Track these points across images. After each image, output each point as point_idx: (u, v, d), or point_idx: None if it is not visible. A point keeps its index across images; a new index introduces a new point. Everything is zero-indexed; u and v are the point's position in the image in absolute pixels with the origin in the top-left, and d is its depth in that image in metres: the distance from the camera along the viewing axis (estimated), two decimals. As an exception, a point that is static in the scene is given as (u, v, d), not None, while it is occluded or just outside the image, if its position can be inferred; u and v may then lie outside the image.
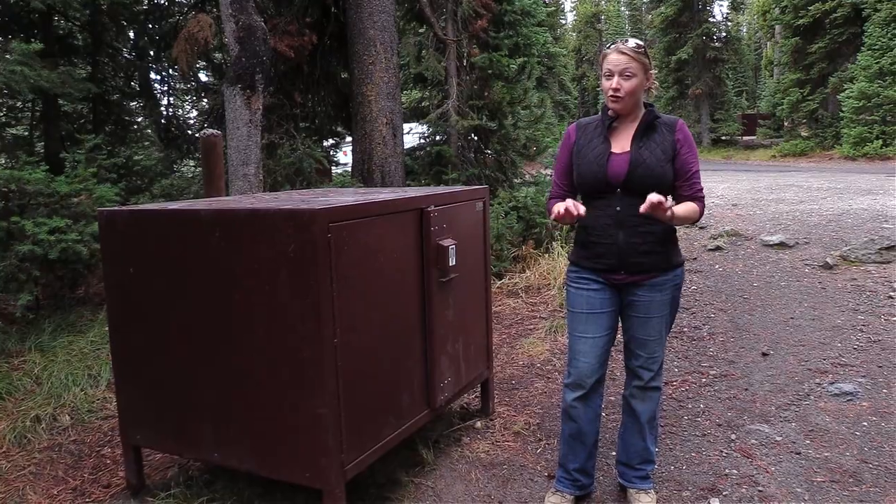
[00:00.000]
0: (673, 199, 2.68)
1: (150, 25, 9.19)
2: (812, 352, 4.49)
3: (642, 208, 2.43)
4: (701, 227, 7.87)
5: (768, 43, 42.85)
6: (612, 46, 2.63)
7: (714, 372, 4.33)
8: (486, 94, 7.95)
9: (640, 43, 2.63)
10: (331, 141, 9.67)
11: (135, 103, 9.76)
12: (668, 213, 2.47)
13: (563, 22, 47.02)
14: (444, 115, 7.96)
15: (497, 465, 3.32)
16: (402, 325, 2.95)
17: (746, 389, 4.05)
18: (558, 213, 2.56)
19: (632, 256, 2.66)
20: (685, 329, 5.10)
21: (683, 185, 2.67)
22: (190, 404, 2.85)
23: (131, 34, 9.43)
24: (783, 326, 4.97)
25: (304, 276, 2.45)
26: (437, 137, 8.21)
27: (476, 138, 8.35)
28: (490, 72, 8.01)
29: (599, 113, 2.82)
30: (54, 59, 7.91)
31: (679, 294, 2.82)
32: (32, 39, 7.97)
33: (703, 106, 31.21)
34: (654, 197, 2.40)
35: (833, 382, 4.04)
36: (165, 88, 10.29)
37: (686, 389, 4.11)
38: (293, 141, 7.40)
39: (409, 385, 3.01)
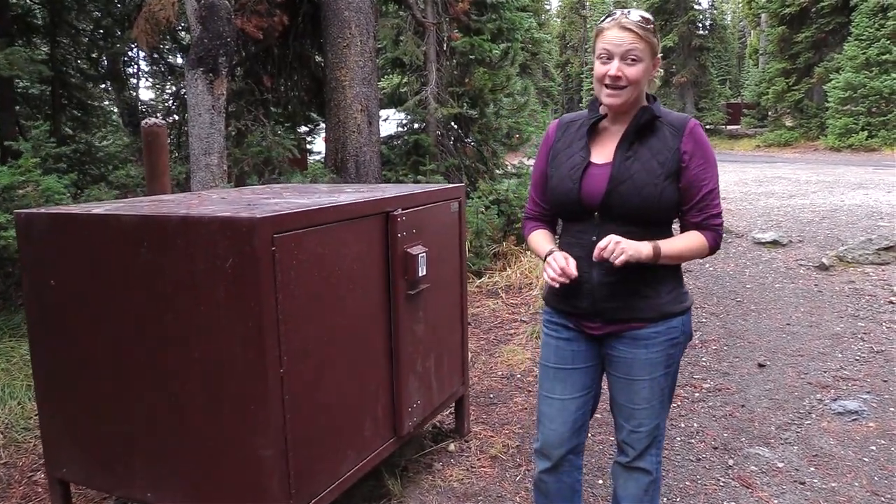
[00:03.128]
0: (680, 226, 2.11)
1: (116, 3, 8.71)
2: (811, 363, 4.20)
3: (595, 255, 1.91)
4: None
5: (753, 31, 42.70)
6: (611, 20, 1.97)
7: (707, 385, 4.03)
8: (466, 80, 7.57)
9: (648, 17, 1.98)
10: (305, 128, 9.28)
11: (102, 86, 9.29)
12: (649, 251, 1.92)
13: (548, 7, 46.55)
14: (423, 102, 7.58)
15: (471, 496, 2.99)
16: (364, 345, 2.59)
17: (743, 406, 3.75)
18: (550, 278, 2.00)
19: (607, 300, 2.04)
20: (675, 335, 4.80)
21: (691, 209, 2.03)
22: (120, 436, 2.48)
23: (97, 14, 8.95)
24: (779, 333, 4.67)
25: (245, 296, 2.08)
26: (416, 125, 7.83)
27: (456, 127, 7.98)
28: (471, 57, 7.63)
29: (587, 107, 2.18)
30: (10, 39, 7.44)
31: (678, 352, 2.14)
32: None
33: (687, 94, 31.02)
34: (606, 242, 1.89)
35: (836, 399, 3.74)
36: (133, 70, 9.83)
37: (678, 405, 3.79)
38: (262, 128, 6.99)
39: (373, 412, 2.66)
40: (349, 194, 2.84)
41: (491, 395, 4.01)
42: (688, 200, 2.02)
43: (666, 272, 2.06)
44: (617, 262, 1.88)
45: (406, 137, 7.71)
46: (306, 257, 2.24)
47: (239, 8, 6.86)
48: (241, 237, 2.06)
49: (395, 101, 8.50)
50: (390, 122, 8.48)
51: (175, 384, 2.29)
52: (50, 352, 2.60)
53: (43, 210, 2.56)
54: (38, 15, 8.61)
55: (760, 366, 4.22)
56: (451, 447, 3.40)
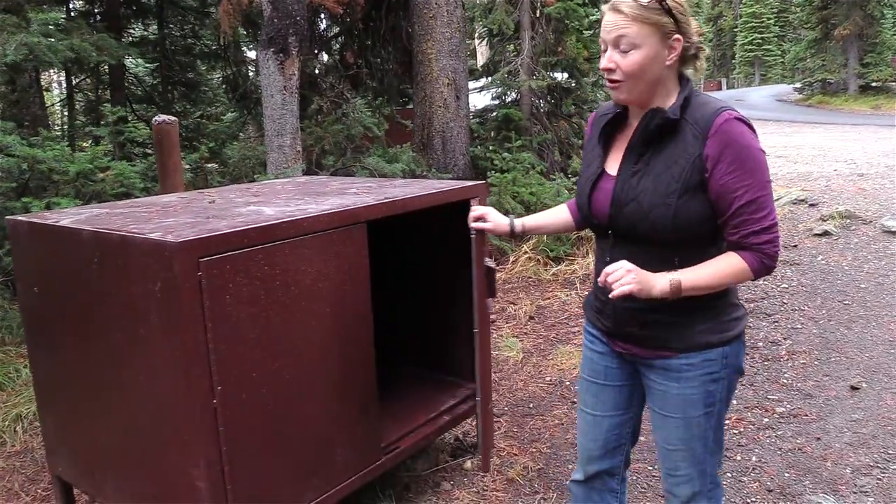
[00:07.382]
0: (718, 246, 1.72)
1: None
2: (918, 388, 3.54)
3: (600, 279, 1.65)
4: (811, 205, 6.71)
5: (937, -27, 37.67)
6: (609, 2, 1.67)
7: (782, 409, 3.49)
8: (559, 49, 7.07)
9: None
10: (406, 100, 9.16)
11: (209, 64, 9.59)
12: (665, 287, 1.60)
13: (696, -43, 43.54)
14: (514, 73, 7.18)
15: (473, 527, 2.74)
16: (339, 364, 2.39)
17: (819, 438, 3.21)
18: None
19: (627, 325, 1.79)
20: (759, 344, 4.22)
21: (726, 226, 1.64)
22: (92, 446, 2.47)
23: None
24: (885, 349, 3.99)
25: (172, 323, 1.94)
26: (507, 99, 7.46)
27: (550, 99, 7.52)
28: (567, 23, 7.11)
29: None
30: (119, 22, 7.82)
31: (721, 388, 1.76)
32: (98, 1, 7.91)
33: (850, 48, 27.98)
34: (615, 268, 1.61)
35: (937, 438, 3.12)
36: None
37: (740, 432, 3.31)
38: (346, 104, 6.90)
39: (351, 437, 2.46)
40: (335, 198, 2.62)
41: (531, 405, 3.70)
42: (720, 215, 1.63)
43: (701, 297, 1.67)
44: (612, 294, 1.60)
45: (495, 112, 7.36)
46: (249, 279, 2.05)
47: (320, -18, 6.77)
48: (165, 262, 1.91)
49: (489, 71, 8.15)
50: (485, 94, 8.14)
51: (128, 403, 2.22)
52: (39, 358, 2.62)
53: (24, 218, 2.54)
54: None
55: (853, 388, 3.61)
56: (468, 464, 3.15)
